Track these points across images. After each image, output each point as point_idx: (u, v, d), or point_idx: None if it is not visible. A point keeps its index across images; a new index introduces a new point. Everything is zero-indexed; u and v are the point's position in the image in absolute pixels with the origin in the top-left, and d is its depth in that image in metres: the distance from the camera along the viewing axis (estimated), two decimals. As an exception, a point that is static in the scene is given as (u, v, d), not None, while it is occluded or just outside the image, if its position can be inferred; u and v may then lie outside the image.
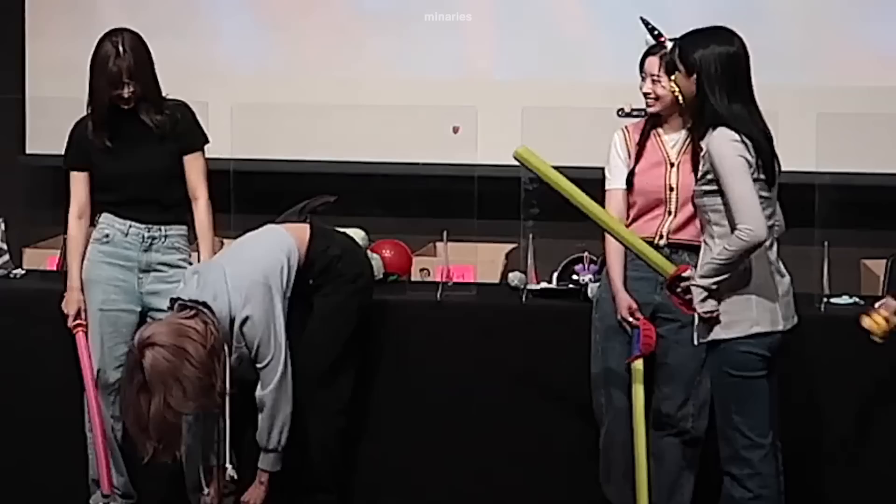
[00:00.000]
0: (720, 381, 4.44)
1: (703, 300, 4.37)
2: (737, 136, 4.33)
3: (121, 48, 4.96)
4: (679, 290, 4.49)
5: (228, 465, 4.83)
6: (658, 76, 4.79)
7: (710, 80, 4.39)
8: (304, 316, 4.97)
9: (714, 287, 4.35)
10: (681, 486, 4.92)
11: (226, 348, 4.72)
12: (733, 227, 4.29)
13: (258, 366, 4.81)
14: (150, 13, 6.83)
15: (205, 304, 4.71)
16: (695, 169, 4.78)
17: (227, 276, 4.77)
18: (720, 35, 4.47)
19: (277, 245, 4.94)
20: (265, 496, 4.91)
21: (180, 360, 4.58)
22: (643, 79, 4.86)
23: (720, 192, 4.34)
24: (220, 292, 4.74)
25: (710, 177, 4.37)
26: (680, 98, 4.50)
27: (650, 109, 4.86)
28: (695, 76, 4.40)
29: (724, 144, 4.33)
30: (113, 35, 5.01)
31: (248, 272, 4.81)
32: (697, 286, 4.38)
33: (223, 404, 4.72)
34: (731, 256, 4.30)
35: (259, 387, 4.83)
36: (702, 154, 4.44)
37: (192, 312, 4.72)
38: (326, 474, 5.05)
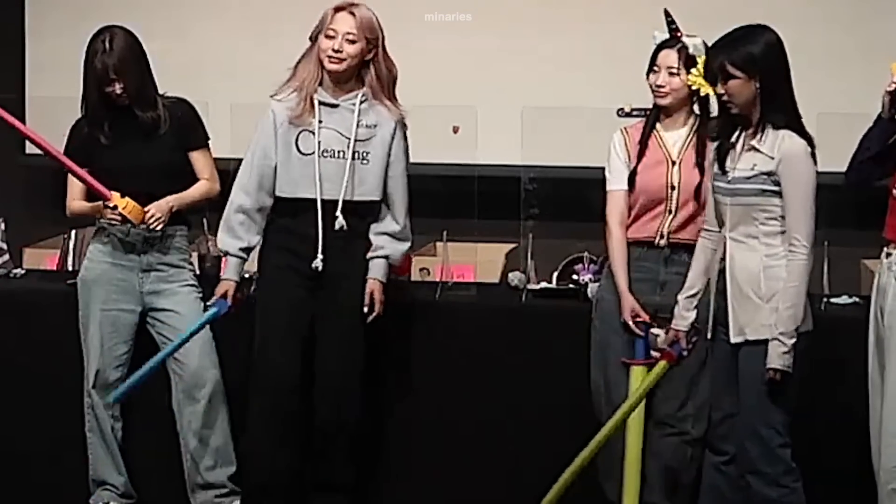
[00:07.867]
0: (764, 379, 4.43)
1: (787, 352, 4.39)
2: (809, 149, 4.42)
3: (107, 45, 4.95)
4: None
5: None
6: (677, 69, 4.79)
7: (777, 78, 4.42)
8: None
9: (795, 339, 4.39)
10: (681, 486, 4.92)
11: None
12: (782, 231, 4.39)
13: None
14: (149, 12, 6.82)
15: None
16: (697, 166, 4.82)
17: None
18: (765, 31, 4.48)
19: None
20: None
21: None
22: (656, 72, 4.85)
23: (778, 195, 4.40)
24: None
25: (774, 178, 4.41)
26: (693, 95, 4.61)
27: (661, 101, 4.86)
28: (757, 79, 4.40)
29: (806, 158, 4.42)
30: (101, 33, 5.01)
31: None
32: (784, 343, 4.39)
33: None
34: (800, 287, 4.38)
35: None
36: (759, 149, 4.46)
37: None
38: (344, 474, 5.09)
